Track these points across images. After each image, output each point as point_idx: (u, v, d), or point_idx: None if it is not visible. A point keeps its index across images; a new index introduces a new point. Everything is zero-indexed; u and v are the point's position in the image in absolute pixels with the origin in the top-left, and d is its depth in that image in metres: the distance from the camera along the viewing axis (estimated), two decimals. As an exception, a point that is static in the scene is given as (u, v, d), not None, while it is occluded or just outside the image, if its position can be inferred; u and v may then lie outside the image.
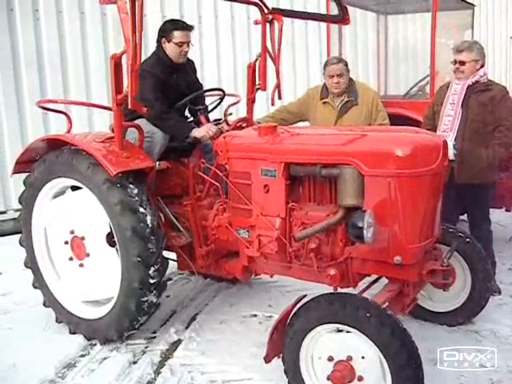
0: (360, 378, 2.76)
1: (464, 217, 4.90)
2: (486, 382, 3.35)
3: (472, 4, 7.30)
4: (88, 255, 3.86)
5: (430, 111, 4.75)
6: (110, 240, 3.72)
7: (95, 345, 3.94)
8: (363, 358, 2.75)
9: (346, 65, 4.89)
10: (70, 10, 7.08)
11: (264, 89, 4.36)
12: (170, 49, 4.19)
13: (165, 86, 4.13)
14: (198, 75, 4.69)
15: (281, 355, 3.02)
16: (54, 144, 3.92)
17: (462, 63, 4.40)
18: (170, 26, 4.19)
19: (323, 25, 8.44)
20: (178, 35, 4.14)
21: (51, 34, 6.96)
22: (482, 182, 4.44)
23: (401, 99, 6.63)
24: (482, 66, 4.46)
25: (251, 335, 4.00)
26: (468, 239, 3.90)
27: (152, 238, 3.58)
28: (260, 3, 4.10)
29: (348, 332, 2.81)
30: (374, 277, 3.59)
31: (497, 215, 5.90)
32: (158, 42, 4.25)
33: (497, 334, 3.92)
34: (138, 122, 3.85)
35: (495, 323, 4.05)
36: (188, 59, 4.47)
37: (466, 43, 4.52)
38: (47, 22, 6.92)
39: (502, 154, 4.38)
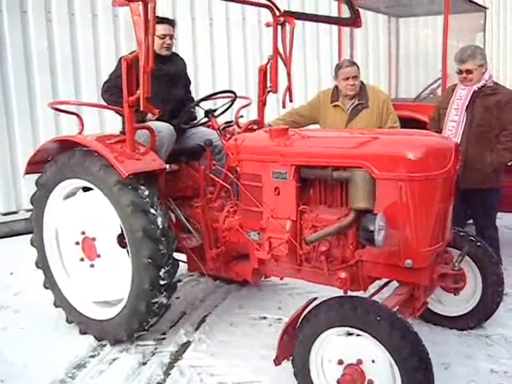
0: (370, 382, 2.75)
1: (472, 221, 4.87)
2: (496, 387, 3.33)
3: (484, 7, 7.28)
4: (99, 256, 3.87)
5: (435, 114, 4.73)
6: (121, 241, 3.73)
7: (105, 345, 3.95)
8: (373, 361, 2.74)
9: (358, 67, 4.92)
10: (82, 12, 7.15)
11: (275, 91, 4.37)
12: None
13: (153, 75, 4.09)
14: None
15: (291, 358, 3.02)
16: (66, 145, 3.94)
17: (469, 72, 4.36)
18: None
19: (334, 28, 8.44)
20: (159, 28, 4.22)
21: (63, 36, 7.02)
22: (487, 187, 4.42)
23: (412, 102, 6.62)
24: (486, 69, 4.44)
25: (261, 337, 4.00)
26: (479, 243, 3.87)
27: (163, 239, 3.59)
28: (271, 5, 4.11)
29: (358, 335, 2.80)
30: (384, 280, 3.58)
31: (506, 219, 5.86)
32: None
33: (508, 338, 3.89)
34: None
35: (506, 328, 4.02)
36: (179, 57, 4.60)
37: (468, 51, 4.43)
38: (60, 24, 6.98)
39: (507, 158, 4.36)
